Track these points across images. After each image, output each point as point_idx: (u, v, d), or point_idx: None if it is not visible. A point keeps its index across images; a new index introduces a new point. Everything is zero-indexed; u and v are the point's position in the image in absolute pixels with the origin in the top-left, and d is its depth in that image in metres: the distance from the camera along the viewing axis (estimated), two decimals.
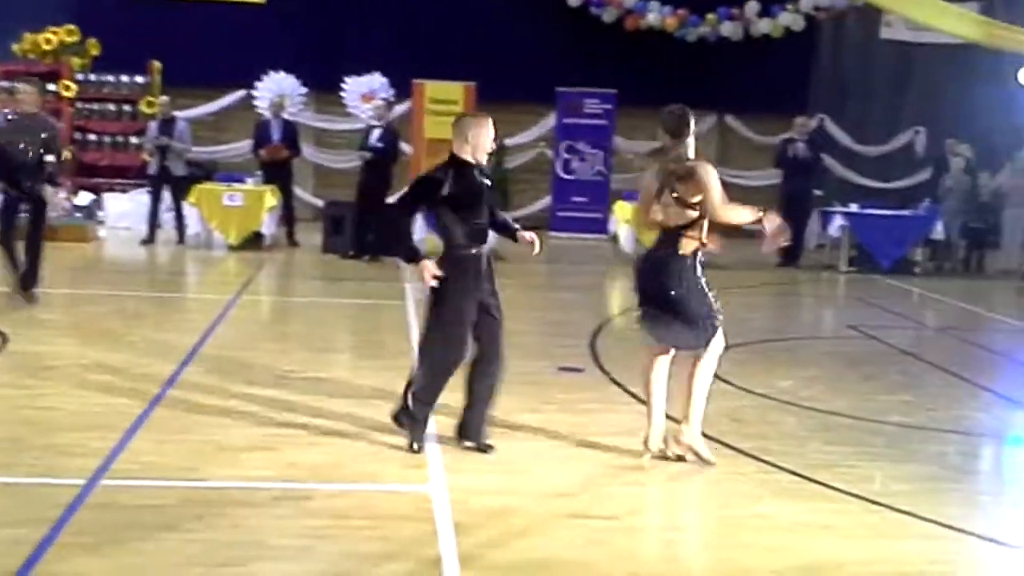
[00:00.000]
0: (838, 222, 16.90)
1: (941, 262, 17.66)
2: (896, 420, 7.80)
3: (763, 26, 20.44)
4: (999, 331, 12.54)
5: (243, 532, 5.11)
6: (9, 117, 10.98)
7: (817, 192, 17.92)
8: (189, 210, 16.09)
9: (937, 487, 6.30)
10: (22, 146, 10.50)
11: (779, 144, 17.80)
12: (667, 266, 6.34)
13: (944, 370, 9.69)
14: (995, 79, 20.03)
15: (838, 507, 5.88)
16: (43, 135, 10.64)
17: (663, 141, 6.42)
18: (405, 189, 6.86)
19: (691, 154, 6.33)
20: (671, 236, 6.36)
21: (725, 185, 6.35)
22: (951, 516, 5.77)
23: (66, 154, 14.35)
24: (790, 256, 17.18)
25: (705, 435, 6.96)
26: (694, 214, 6.27)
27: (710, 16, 20.41)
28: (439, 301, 6.44)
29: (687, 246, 6.32)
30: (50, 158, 10.73)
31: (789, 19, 20.47)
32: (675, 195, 6.26)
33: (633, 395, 8.06)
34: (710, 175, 6.22)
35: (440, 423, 6.96)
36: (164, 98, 17.00)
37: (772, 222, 6.44)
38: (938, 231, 17.03)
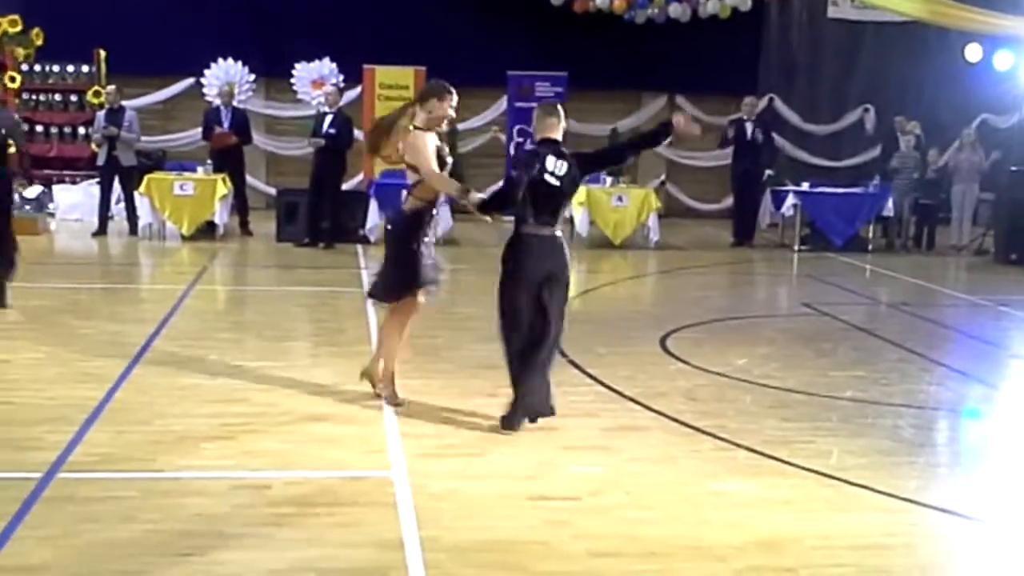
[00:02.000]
0: (790, 201, 17.02)
1: (892, 239, 17.83)
2: (850, 395, 7.88)
3: (711, 7, 20.48)
4: (950, 306, 12.69)
5: (203, 522, 5.09)
6: None
7: (769, 172, 18.03)
8: (140, 200, 15.93)
9: (893, 460, 6.37)
10: None
11: (726, 124, 17.86)
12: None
13: (897, 345, 9.79)
14: (942, 56, 20.28)
15: (795, 482, 5.93)
16: (1, 129, 10.48)
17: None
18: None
19: (418, 122, 6.82)
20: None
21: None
22: (907, 489, 5.84)
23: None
24: (744, 235, 17.34)
25: (662, 413, 7.07)
26: (415, 176, 6.84)
27: None
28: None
29: (410, 203, 6.95)
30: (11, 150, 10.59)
31: None
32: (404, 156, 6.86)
33: (592, 376, 8.09)
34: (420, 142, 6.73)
35: (400, 409, 7.01)
36: (111, 87, 16.81)
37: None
38: (889, 208, 17.19)
